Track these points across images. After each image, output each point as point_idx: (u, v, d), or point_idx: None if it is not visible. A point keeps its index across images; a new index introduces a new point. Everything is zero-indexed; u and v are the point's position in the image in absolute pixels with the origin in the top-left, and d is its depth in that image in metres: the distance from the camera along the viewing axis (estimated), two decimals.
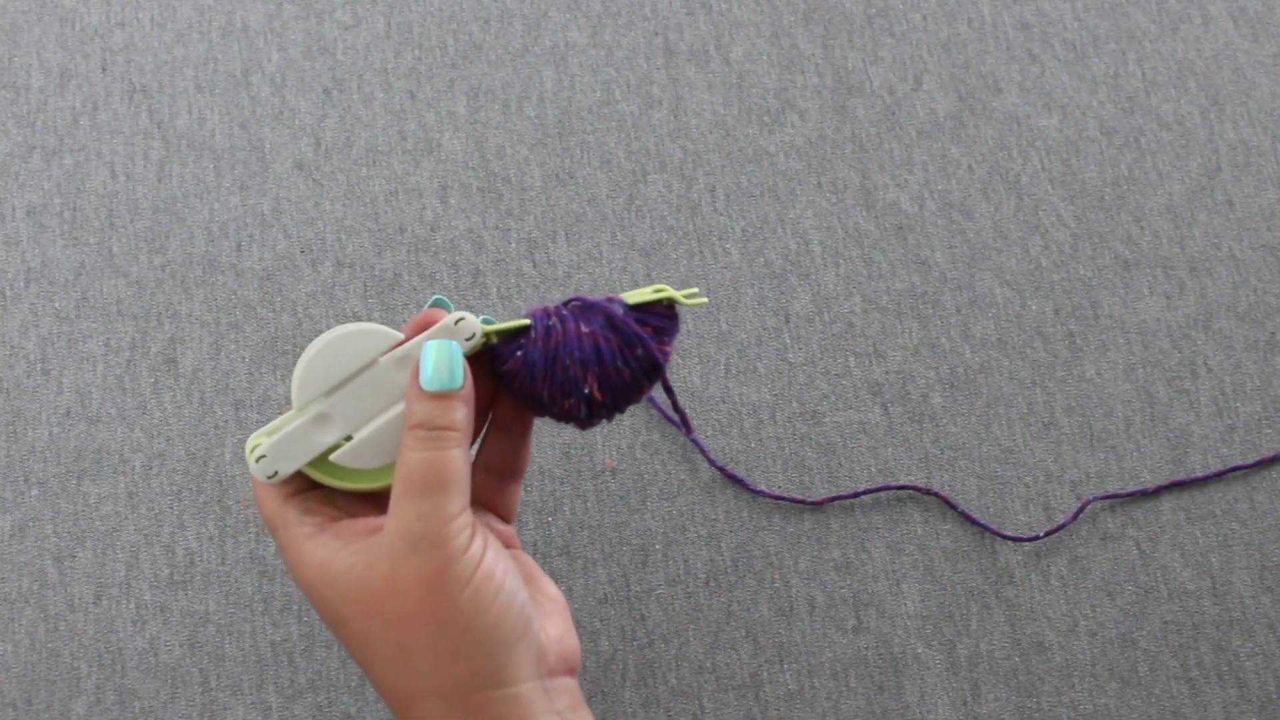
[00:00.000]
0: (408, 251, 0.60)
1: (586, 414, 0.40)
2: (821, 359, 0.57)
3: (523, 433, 0.43)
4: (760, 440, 0.56)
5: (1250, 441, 0.56)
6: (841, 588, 0.53)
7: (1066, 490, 0.54)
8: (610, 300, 0.40)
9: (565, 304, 0.40)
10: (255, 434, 0.39)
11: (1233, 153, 0.61)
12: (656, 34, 0.65)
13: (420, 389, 0.37)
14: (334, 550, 0.37)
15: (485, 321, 0.39)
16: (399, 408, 0.38)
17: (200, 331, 0.58)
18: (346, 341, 0.38)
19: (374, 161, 0.62)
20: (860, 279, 0.59)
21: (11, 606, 0.53)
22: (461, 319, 0.39)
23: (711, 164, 0.61)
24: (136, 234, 0.60)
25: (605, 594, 0.53)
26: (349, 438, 0.39)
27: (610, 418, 0.41)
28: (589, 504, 0.55)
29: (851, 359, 0.57)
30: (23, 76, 0.64)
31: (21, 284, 0.59)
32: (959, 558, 0.54)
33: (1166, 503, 0.54)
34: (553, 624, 0.39)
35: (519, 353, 0.39)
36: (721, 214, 0.60)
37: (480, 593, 0.35)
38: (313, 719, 0.51)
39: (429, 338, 0.38)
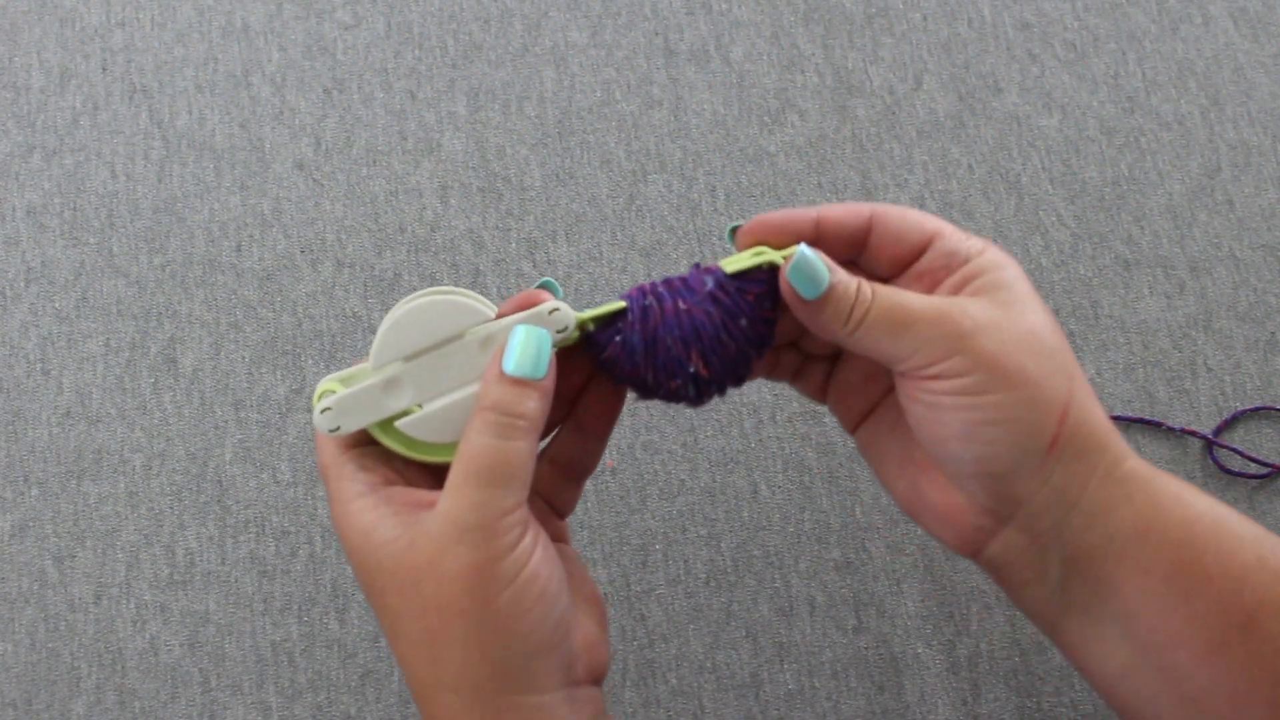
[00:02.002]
0: (408, 251, 0.60)
1: (695, 393, 0.38)
2: None
3: (600, 435, 0.41)
4: (760, 440, 0.56)
5: (1250, 442, 0.56)
6: (841, 588, 0.53)
7: None
8: (708, 271, 0.37)
9: (664, 281, 0.38)
10: (329, 378, 0.38)
11: (1233, 153, 0.61)
12: (656, 34, 0.65)
13: (501, 372, 0.36)
14: (381, 516, 0.36)
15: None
16: (476, 387, 0.37)
17: (200, 331, 0.58)
18: (437, 309, 0.37)
19: (374, 161, 0.62)
20: None
21: (11, 606, 0.53)
22: (556, 309, 0.37)
23: (711, 164, 0.61)
24: (136, 234, 0.60)
25: (605, 594, 0.53)
26: (419, 406, 0.37)
27: (723, 392, 0.39)
28: (589, 504, 0.55)
29: None
30: (23, 76, 0.64)
31: (21, 284, 0.59)
32: (959, 557, 0.54)
33: None
34: (585, 630, 0.38)
35: (617, 338, 0.37)
36: (721, 214, 0.60)
37: (521, 596, 0.34)
38: (313, 719, 0.51)
39: (521, 321, 0.37)
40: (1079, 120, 0.62)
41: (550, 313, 0.37)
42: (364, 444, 0.39)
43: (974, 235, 0.39)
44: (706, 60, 0.64)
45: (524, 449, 0.35)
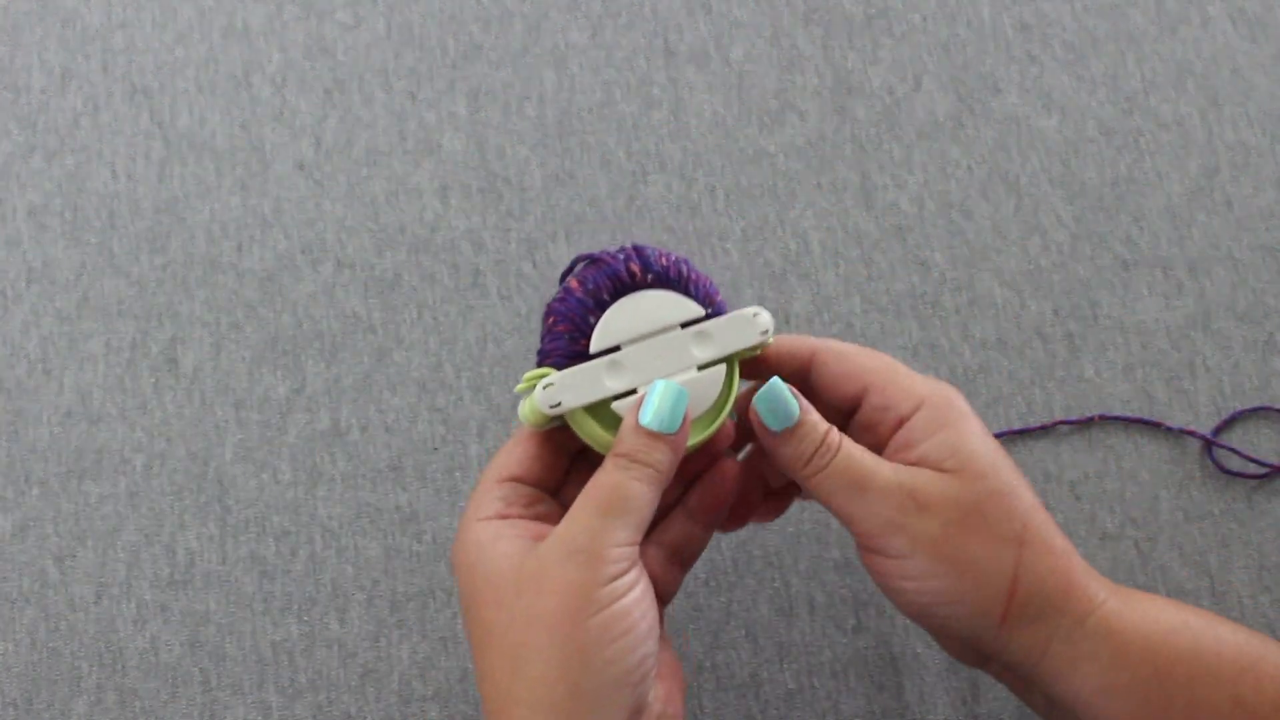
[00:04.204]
0: (408, 251, 0.60)
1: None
2: None
3: (707, 524, 0.42)
4: None
5: (1249, 442, 0.56)
6: (841, 588, 0.53)
7: (1065, 490, 0.55)
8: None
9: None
10: (529, 373, 0.40)
11: (1232, 153, 0.62)
12: (656, 34, 0.65)
13: (636, 423, 0.38)
14: (503, 534, 0.38)
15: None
16: (691, 374, 0.40)
17: (201, 331, 0.58)
18: (653, 299, 0.40)
19: (374, 162, 0.62)
20: (860, 279, 0.59)
21: (12, 606, 0.53)
22: (758, 314, 0.41)
23: (711, 164, 0.61)
24: (137, 234, 0.60)
25: None
26: (633, 391, 0.40)
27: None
28: None
29: None
30: (24, 77, 0.64)
31: (23, 284, 0.59)
32: None
33: (1164, 502, 0.54)
34: (663, 686, 0.39)
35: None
36: (721, 214, 0.60)
37: (609, 625, 0.35)
38: (313, 719, 0.52)
39: (667, 376, 0.40)
40: (1078, 121, 0.62)
41: (754, 315, 0.41)
42: (520, 481, 0.40)
43: (912, 378, 0.40)
44: (706, 61, 0.64)
45: (646, 492, 0.37)
